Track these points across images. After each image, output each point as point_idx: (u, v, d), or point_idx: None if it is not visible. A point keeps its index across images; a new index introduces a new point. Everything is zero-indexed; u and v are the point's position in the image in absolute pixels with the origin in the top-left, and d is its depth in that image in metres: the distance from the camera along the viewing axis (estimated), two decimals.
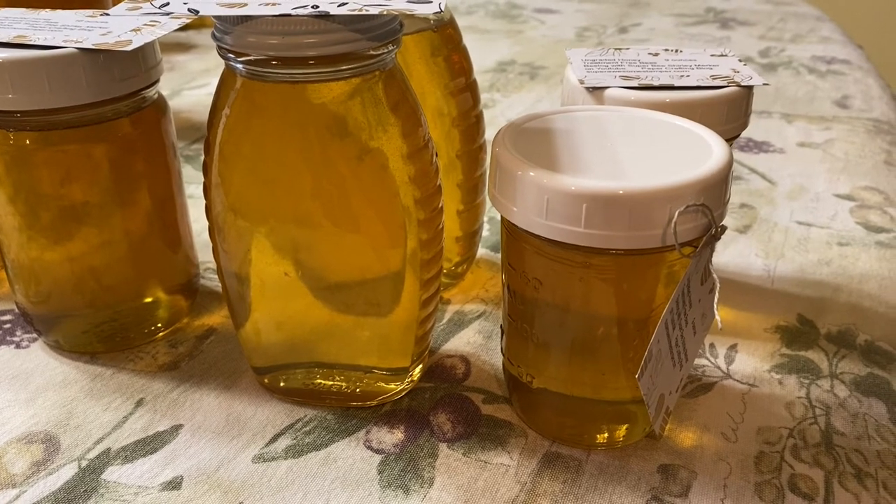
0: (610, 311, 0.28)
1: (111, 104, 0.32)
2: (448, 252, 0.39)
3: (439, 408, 0.33)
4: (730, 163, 0.26)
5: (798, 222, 0.47)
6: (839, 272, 0.42)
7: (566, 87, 0.35)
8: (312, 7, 0.25)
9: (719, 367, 0.35)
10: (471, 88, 0.37)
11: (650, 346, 0.25)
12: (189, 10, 0.26)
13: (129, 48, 0.30)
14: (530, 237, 0.27)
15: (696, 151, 0.27)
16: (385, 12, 0.25)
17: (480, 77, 0.73)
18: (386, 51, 0.27)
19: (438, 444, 0.31)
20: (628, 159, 0.27)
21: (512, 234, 0.28)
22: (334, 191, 0.28)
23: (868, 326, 0.38)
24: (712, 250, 0.27)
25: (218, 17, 0.26)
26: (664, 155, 0.27)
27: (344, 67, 0.27)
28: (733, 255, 0.44)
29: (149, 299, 0.37)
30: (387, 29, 0.27)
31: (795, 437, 0.31)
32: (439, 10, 0.25)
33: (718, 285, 0.26)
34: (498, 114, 0.65)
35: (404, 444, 0.31)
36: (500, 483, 0.29)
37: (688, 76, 0.34)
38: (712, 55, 0.37)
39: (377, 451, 0.31)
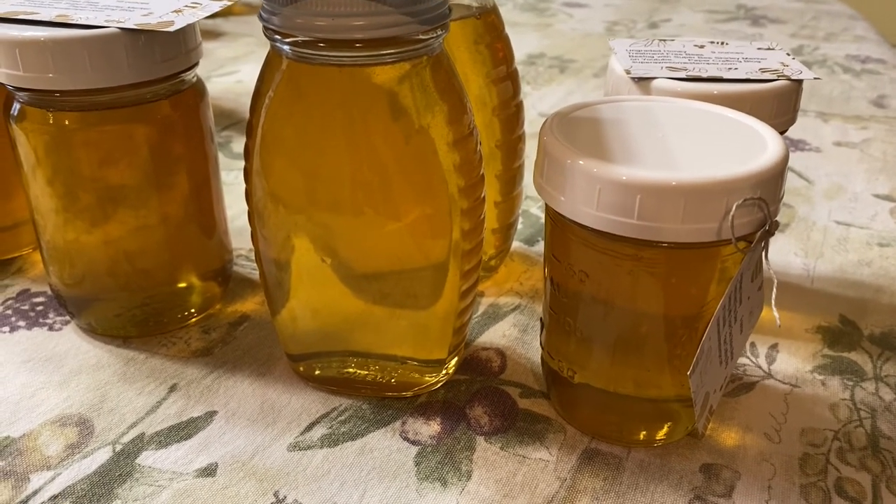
0: (658, 307, 0.27)
1: (151, 86, 0.32)
2: (484, 244, 0.38)
3: (475, 401, 0.32)
4: (786, 157, 0.26)
5: (837, 222, 0.47)
6: (880, 273, 0.41)
7: (611, 77, 0.34)
8: None
9: (760, 367, 0.34)
10: (511, 77, 0.36)
11: (702, 343, 0.25)
12: None
13: (171, 29, 0.30)
14: (578, 228, 0.26)
15: (751, 144, 0.26)
16: None
17: None
18: (434, 35, 0.27)
19: (476, 437, 0.30)
20: (681, 150, 0.26)
21: (558, 224, 0.27)
22: (379, 178, 0.27)
23: None
24: (767, 246, 0.26)
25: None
26: (718, 147, 0.27)
27: (392, 51, 0.26)
28: (772, 252, 0.43)
29: (182, 284, 0.36)
30: (436, 13, 0.26)
31: (840, 439, 0.31)
32: None
33: (775, 280, 0.25)
34: (529, 106, 0.64)
35: (441, 437, 0.30)
36: (540, 478, 0.29)
37: (736, 69, 0.33)
38: (759, 48, 0.36)
39: (413, 443, 0.30)
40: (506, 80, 0.36)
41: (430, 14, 0.26)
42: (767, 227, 0.25)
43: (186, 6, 0.32)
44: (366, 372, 0.32)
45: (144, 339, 0.36)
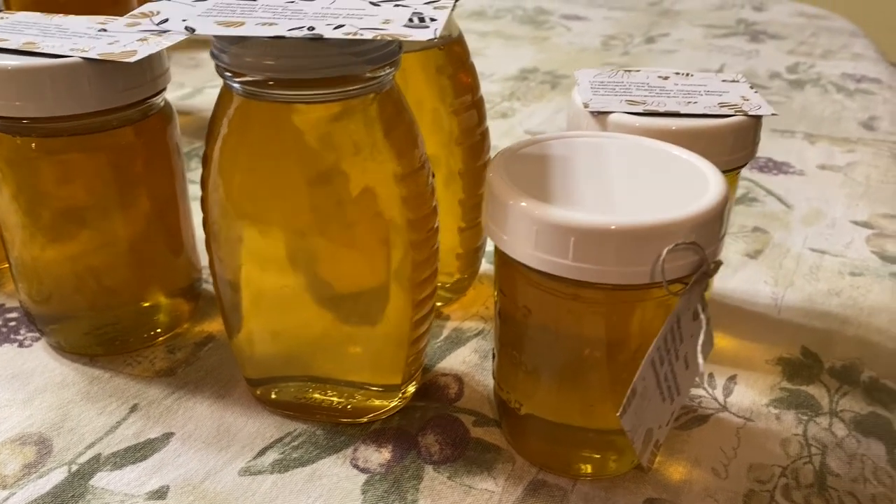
0: (599, 343, 0.27)
1: (116, 112, 0.33)
2: (447, 267, 0.38)
3: (428, 428, 0.33)
4: (725, 199, 0.26)
5: (811, 249, 0.47)
6: (849, 304, 0.41)
7: (572, 109, 0.35)
8: (308, 29, 0.25)
9: (716, 399, 0.34)
10: (477, 106, 0.37)
11: (634, 383, 0.25)
12: (186, 28, 0.26)
13: (132, 59, 0.30)
14: (521, 266, 0.27)
15: (693, 185, 0.27)
16: (379, 37, 0.25)
17: (501, 85, 0.73)
18: (382, 74, 0.27)
19: (424, 466, 0.31)
20: (623, 191, 0.27)
21: (504, 260, 0.28)
22: (323, 209, 0.28)
23: (874, 362, 0.37)
24: (705, 287, 0.27)
25: (217, 37, 0.26)
26: (660, 187, 0.27)
27: (338, 90, 0.26)
28: (742, 280, 0.43)
29: (149, 303, 0.37)
30: (382, 52, 0.27)
31: (788, 476, 0.31)
32: (433, 38, 0.25)
33: (704, 325, 0.26)
34: (516, 123, 0.64)
35: (390, 465, 0.31)
36: None
37: (695, 102, 0.33)
38: (723, 80, 0.36)
39: (363, 470, 0.31)
40: (470, 108, 0.36)
41: (376, 54, 0.26)
42: (705, 270, 0.26)
43: (152, 34, 0.33)
44: (322, 397, 0.33)
45: (111, 358, 0.36)
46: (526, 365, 0.29)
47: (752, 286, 0.43)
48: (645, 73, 0.37)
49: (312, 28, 0.25)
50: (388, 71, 0.27)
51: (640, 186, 0.27)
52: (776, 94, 0.72)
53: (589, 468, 0.30)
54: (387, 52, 0.27)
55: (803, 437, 0.33)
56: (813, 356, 0.37)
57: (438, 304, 0.40)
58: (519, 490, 0.30)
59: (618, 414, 0.25)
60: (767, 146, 0.60)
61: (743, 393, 0.35)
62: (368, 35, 0.25)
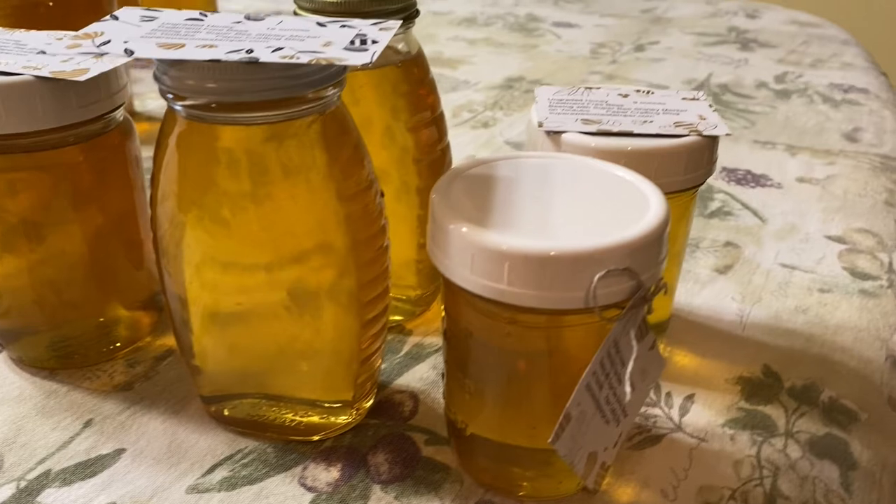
0: (540, 366, 0.27)
1: (72, 129, 0.33)
2: (407, 282, 0.38)
3: (380, 447, 0.33)
4: (664, 224, 0.26)
5: (782, 265, 0.46)
6: (815, 321, 0.41)
7: (529, 127, 0.35)
8: (247, 52, 0.25)
9: (672, 419, 0.34)
10: (436, 122, 0.37)
11: (567, 408, 0.25)
12: (125, 50, 0.26)
13: (82, 78, 0.30)
14: (461, 289, 0.27)
15: (634, 209, 0.27)
16: (314, 61, 0.25)
17: (485, 94, 0.73)
18: (325, 95, 0.27)
19: (372, 486, 0.31)
20: (563, 214, 0.27)
21: (447, 283, 0.28)
22: (268, 231, 0.28)
23: (835, 382, 0.37)
24: (646, 311, 0.27)
25: (159, 60, 0.26)
26: (601, 211, 0.27)
27: (281, 112, 0.26)
28: (709, 296, 0.43)
29: (108, 317, 0.37)
30: (325, 74, 0.27)
31: (737, 498, 0.31)
32: (369, 62, 0.25)
33: (635, 352, 0.25)
34: (496, 133, 0.64)
35: (338, 484, 0.31)
36: None
37: (651, 122, 0.33)
38: (684, 98, 0.36)
39: (310, 490, 0.31)
40: (430, 125, 0.36)
41: (318, 76, 0.26)
42: (642, 294, 0.25)
43: (91, 57, 0.32)
44: (275, 414, 0.33)
45: (71, 371, 0.36)
46: (470, 386, 0.29)
47: (719, 302, 0.43)
48: (605, 90, 0.37)
49: (251, 51, 0.25)
50: (331, 92, 0.27)
51: (582, 210, 0.27)
52: (761, 104, 0.71)
53: (535, 489, 0.30)
54: (329, 73, 0.27)
55: (756, 458, 0.32)
56: (774, 375, 0.37)
57: (400, 318, 0.40)
58: None
59: (549, 441, 0.25)
60: (748, 158, 0.60)
61: (699, 413, 0.35)
62: (305, 59, 0.25)
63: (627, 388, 0.25)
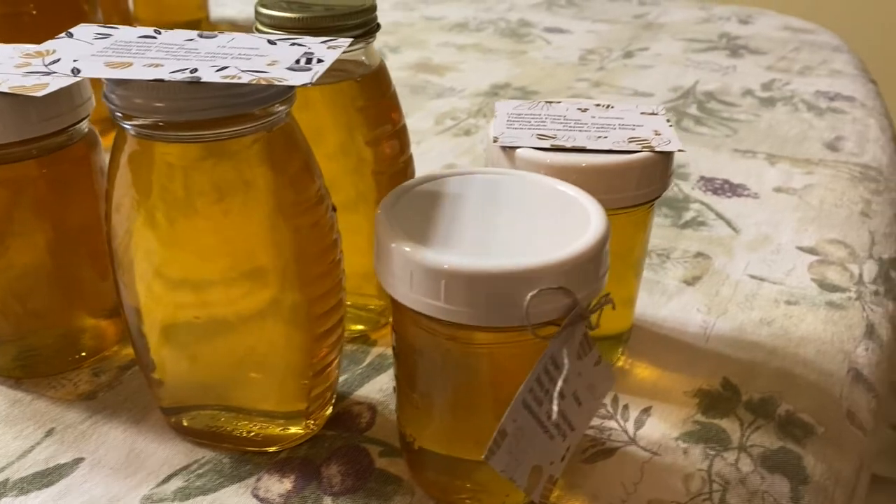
0: (482, 382, 0.28)
1: (34, 143, 0.33)
2: (368, 291, 0.39)
3: (334, 458, 0.33)
4: (602, 242, 0.26)
5: (751, 276, 0.46)
6: (779, 333, 0.41)
7: (487, 142, 0.35)
8: (191, 71, 0.26)
9: (626, 432, 0.35)
10: (398, 135, 0.37)
11: (502, 425, 0.25)
12: (73, 70, 0.26)
13: (41, 93, 0.31)
14: (402, 307, 0.27)
15: (575, 227, 0.27)
16: (256, 81, 0.25)
17: (470, 101, 0.73)
18: (272, 112, 0.27)
19: (323, 498, 0.31)
20: (504, 231, 0.27)
21: (392, 299, 0.28)
22: (209, 245, 0.28)
23: (793, 396, 0.37)
24: (588, 327, 0.27)
25: (107, 80, 0.27)
26: (542, 228, 0.27)
27: (225, 130, 0.27)
28: (675, 308, 0.43)
29: (74, 326, 0.38)
30: (271, 92, 0.27)
31: None
32: (310, 82, 0.25)
33: (566, 369, 0.26)
34: (477, 141, 0.64)
35: (290, 495, 0.31)
36: None
37: (605, 137, 0.34)
38: (642, 113, 0.37)
39: (262, 501, 0.31)
40: (392, 138, 0.37)
41: (264, 93, 0.27)
42: (578, 312, 0.26)
43: (39, 76, 0.33)
44: (232, 426, 0.33)
45: (36, 381, 0.37)
46: (417, 400, 0.29)
47: (685, 314, 0.43)
48: (566, 104, 0.37)
49: (195, 70, 0.26)
50: (279, 109, 0.28)
51: (523, 227, 0.27)
52: (745, 112, 0.71)
53: (483, 502, 0.30)
54: (275, 91, 0.27)
55: (707, 472, 0.33)
56: (733, 388, 0.37)
57: (363, 327, 0.40)
58: None
59: (483, 456, 0.25)
60: (727, 167, 0.60)
61: (655, 426, 0.35)
62: (246, 78, 0.25)
63: (555, 407, 0.25)
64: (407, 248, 0.25)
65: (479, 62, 0.85)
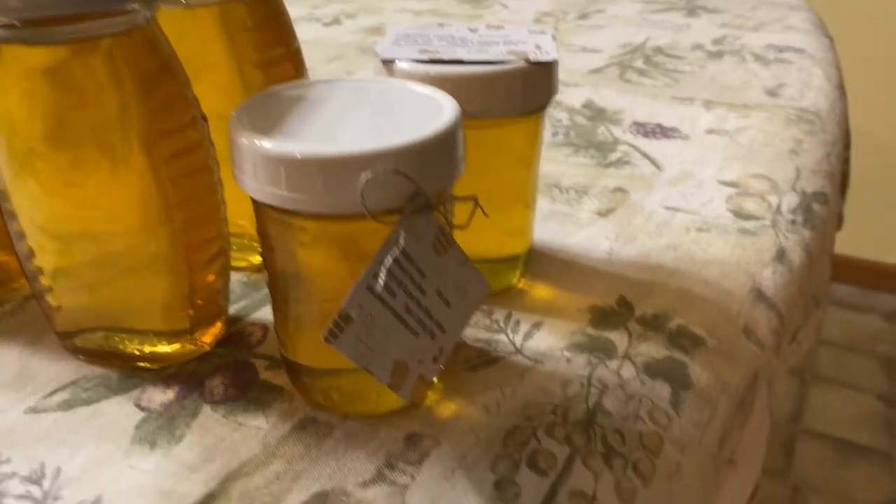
0: (339, 280, 0.28)
1: None
2: None
3: (219, 372, 0.33)
4: (447, 133, 0.26)
5: (666, 207, 0.47)
6: (685, 257, 0.42)
7: (376, 60, 0.35)
8: None
9: (513, 343, 0.35)
10: (292, 58, 0.37)
11: (343, 307, 0.25)
12: None
13: None
14: (258, 203, 0.27)
15: (426, 121, 0.27)
16: None
17: None
18: (130, 10, 0.28)
19: (203, 406, 0.32)
20: (353, 126, 0.27)
21: (252, 201, 0.29)
22: (80, 161, 0.29)
23: (688, 311, 0.37)
24: (448, 225, 0.27)
25: None
26: (392, 123, 0.28)
27: (80, 25, 0.27)
28: (583, 238, 0.43)
29: None
30: None
31: (557, 413, 0.31)
32: None
33: (399, 251, 0.26)
34: None
35: (170, 405, 0.32)
36: (245, 444, 0.30)
37: (486, 52, 0.34)
38: (531, 33, 0.37)
39: (143, 410, 0.32)
40: (283, 61, 0.37)
41: None
42: (423, 201, 0.26)
43: None
44: (124, 345, 0.34)
45: None
46: (282, 306, 0.30)
47: (592, 243, 0.43)
48: (458, 26, 0.38)
49: None
50: (135, 7, 0.28)
51: (375, 122, 0.28)
52: (690, 64, 0.71)
53: (355, 405, 0.31)
54: None
55: (587, 378, 0.33)
56: (627, 305, 0.38)
57: None
58: (287, 426, 0.31)
59: (322, 336, 0.25)
60: (662, 113, 0.60)
61: (543, 338, 0.35)
62: None
63: (381, 279, 0.25)
64: (252, 140, 0.26)
65: None
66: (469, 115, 0.32)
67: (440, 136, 0.26)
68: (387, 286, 0.27)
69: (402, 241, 0.26)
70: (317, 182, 0.25)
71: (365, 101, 0.29)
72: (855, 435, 1.33)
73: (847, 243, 1.41)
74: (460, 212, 0.29)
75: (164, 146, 0.29)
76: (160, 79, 0.29)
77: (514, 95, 0.33)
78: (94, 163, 0.29)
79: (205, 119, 0.31)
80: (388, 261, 0.26)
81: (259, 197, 0.26)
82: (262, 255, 0.30)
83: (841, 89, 0.69)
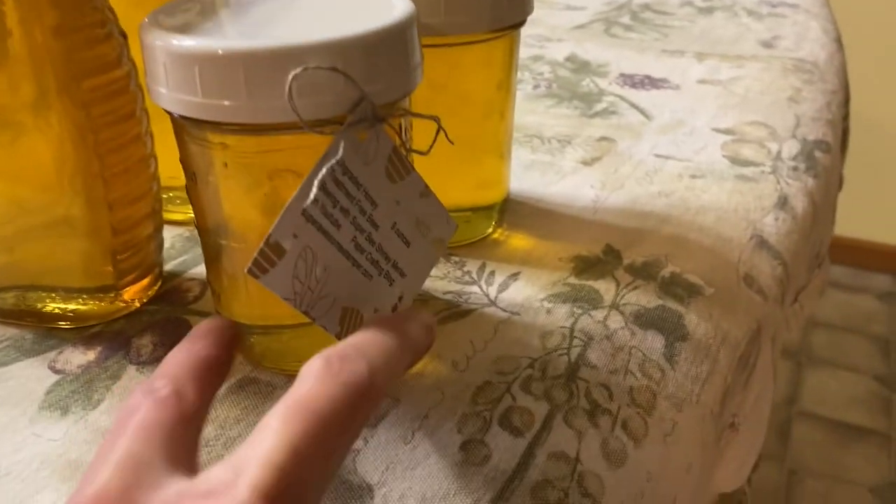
0: (273, 217, 0.24)
1: None
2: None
3: (149, 330, 0.29)
4: (399, 29, 0.22)
5: (657, 155, 0.43)
6: (677, 204, 0.38)
7: None
8: None
9: (487, 295, 0.31)
10: None
11: (272, 234, 0.21)
12: None
13: None
14: (174, 119, 0.23)
15: (373, 18, 0.23)
16: None
17: None
18: None
19: (127, 367, 0.27)
20: (285, 23, 0.23)
21: (171, 118, 0.24)
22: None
23: (683, 259, 0.33)
24: (403, 147, 0.23)
25: None
26: (332, 20, 0.23)
27: None
28: (566, 186, 0.39)
29: None
30: None
31: (535, 368, 0.27)
32: None
33: (336, 161, 0.22)
34: None
35: (90, 366, 0.28)
36: None
37: None
38: None
39: (58, 372, 0.27)
40: None
41: None
42: (368, 110, 0.22)
43: None
44: (43, 304, 0.29)
45: None
46: (212, 257, 0.26)
47: (576, 191, 0.39)
48: None
49: None
50: None
51: (312, 18, 0.23)
52: (681, 20, 0.67)
53: (300, 360, 0.27)
54: None
55: (570, 329, 0.29)
56: (614, 253, 0.34)
57: None
58: (223, 388, 0.26)
59: (246, 268, 0.21)
60: (651, 65, 0.56)
61: (520, 289, 0.31)
62: None
63: (313, 192, 0.21)
64: (160, 40, 0.22)
65: None
66: (429, 30, 0.28)
67: (388, 31, 0.22)
68: (328, 214, 0.22)
69: (341, 153, 0.21)
70: (237, 84, 0.21)
71: (307, 4, 0.25)
72: (851, 416, 1.29)
73: (840, 224, 1.38)
74: (421, 137, 0.25)
75: (84, 80, 0.25)
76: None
77: (482, 7, 0.29)
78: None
79: (124, 36, 0.27)
80: (324, 173, 0.21)
81: (171, 107, 0.22)
82: (186, 190, 0.26)
83: (839, 42, 0.66)
